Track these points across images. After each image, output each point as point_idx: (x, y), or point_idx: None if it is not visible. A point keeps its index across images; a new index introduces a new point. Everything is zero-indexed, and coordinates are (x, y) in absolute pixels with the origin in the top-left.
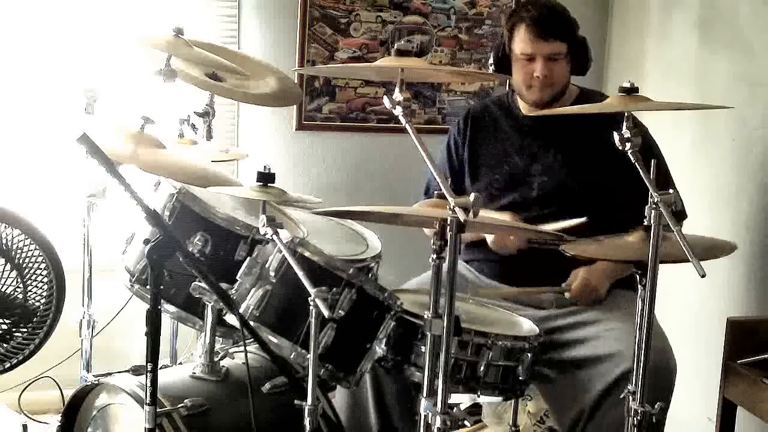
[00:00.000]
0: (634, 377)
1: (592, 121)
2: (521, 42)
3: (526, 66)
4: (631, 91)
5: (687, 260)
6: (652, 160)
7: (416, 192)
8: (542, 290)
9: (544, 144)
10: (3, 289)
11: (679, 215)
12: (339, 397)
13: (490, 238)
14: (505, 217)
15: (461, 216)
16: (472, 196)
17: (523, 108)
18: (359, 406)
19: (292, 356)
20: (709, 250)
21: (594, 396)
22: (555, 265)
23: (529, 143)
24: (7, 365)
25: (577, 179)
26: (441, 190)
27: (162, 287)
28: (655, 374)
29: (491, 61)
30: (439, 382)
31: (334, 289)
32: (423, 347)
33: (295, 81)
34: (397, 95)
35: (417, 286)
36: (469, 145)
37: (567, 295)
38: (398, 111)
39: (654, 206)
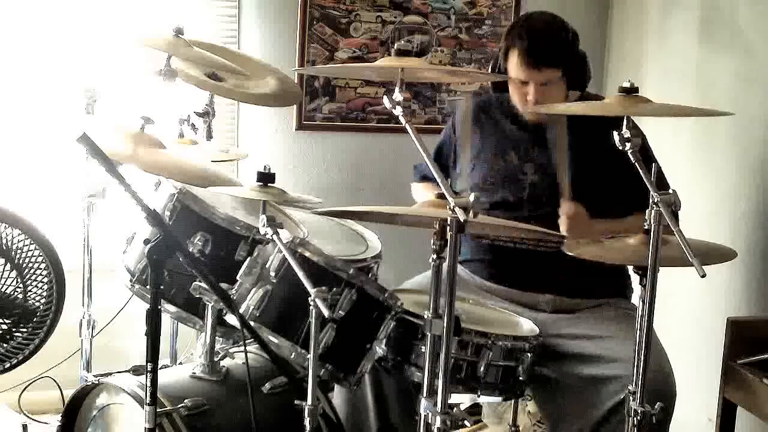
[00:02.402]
0: (633, 378)
1: (590, 123)
2: (514, 67)
3: (520, 88)
4: (631, 91)
5: (687, 264)
6: (653, 162)
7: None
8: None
9: (541, 143)
10: (3, 289)
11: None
12: (338, 396)
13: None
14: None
15: (461, 216)
16: (471, 196)
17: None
18: (358, 405)
19: (292, 356)
20: (708, 255)
21: (596, 418)
22: (549, 267)
23: (526, 141)
24: (7, 365)
25: (573, 181)
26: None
27: (162, 287)
28: (656, 398)
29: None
30: (439, 382)
31: (334, 289)
32: (423, 347)
33: (295, 81)
34: (397, 95)
35: (414, 287)
36: (468, 137)
37: (561, 227)
38: (398, 111)
39: (654, 206)
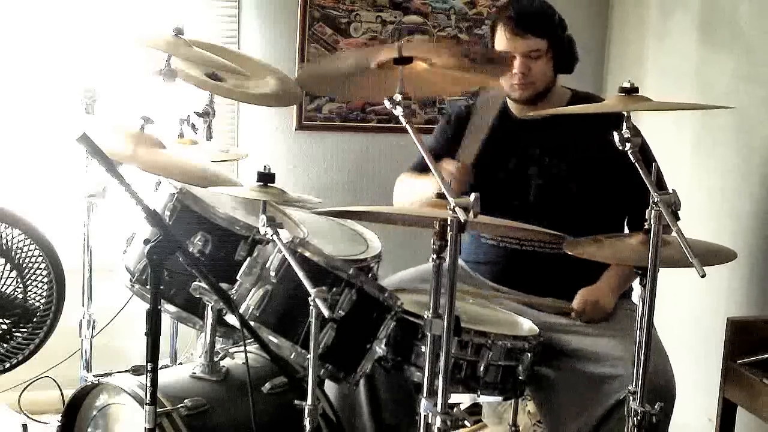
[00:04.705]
0: (633, 378)
1: (588, 124)
2: (500, 40)
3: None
4: (631, 91)
5: (687, 265)
6: (653, 162)
7: None
8: (545, 302)
9: (540, 147)
10: (3, 289)
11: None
12: (331, 395)
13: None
14: (449, 166)
15: (461, 216)
16: (472, 196)
17: (515, 110)
18: (352, 404)
19: (292, 356)
20: (709, 255)
21: (595, 417)
22: (554, 270)
23: (525, 145)
24: (7, 365)
25: (574, 184)
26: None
27: (162, 287)
28: (656, 399)
29: None
30: (439, 382)
31: (334, 289)
32: (423, 347)
33: None
34: (397, 95)
35: (400, 280)
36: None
37: (573, 315)
38: (398, 111)
39: (654, 206)
